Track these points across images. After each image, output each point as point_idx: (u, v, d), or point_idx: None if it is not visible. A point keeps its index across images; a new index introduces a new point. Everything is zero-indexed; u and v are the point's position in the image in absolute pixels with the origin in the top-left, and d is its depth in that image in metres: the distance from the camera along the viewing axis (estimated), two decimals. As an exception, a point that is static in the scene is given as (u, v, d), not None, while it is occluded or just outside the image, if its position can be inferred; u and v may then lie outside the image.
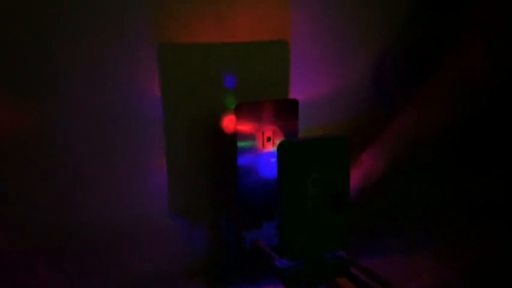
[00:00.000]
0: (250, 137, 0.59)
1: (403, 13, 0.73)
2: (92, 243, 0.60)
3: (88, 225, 0.59)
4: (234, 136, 0.58)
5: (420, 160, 0.69)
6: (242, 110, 0.58)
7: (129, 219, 0.61)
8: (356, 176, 0.64)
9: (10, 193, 0.55)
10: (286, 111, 0.60)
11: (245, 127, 0.59)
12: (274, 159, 0.59)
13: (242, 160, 0.59)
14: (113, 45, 0.57)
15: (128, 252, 0.62)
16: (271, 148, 0.60)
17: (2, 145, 0.54)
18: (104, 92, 0.58)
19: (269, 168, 0.60)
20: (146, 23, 0.58)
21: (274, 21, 0.65)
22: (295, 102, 0.61)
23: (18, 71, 0.54)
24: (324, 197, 0.51)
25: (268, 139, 0.60)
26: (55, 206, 0.57)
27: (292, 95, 0.67)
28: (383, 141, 0.68)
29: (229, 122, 0.62)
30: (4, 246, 0.55)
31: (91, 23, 0.55)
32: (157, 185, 0.62)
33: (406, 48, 0.72)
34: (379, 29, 0.72)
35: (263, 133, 0.59)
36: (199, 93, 0.62)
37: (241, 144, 0.58)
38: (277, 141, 0.60)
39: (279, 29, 0.65)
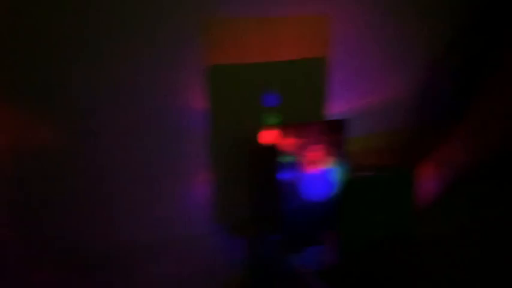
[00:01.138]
0: (294, 157, 0.58)
1: (450, 26, 0.70)
2: (134, 260, 0.60)
3: (128, 243, 0.60)
4: (277, 156, 0.57)
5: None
6: (287, 131, 0.57)
7: (171, 235, 0.61)
8: None
9: (43, 212, 0.55)
10: (331, 132, 0.59)
11: (289, 148, 0.58)
12: (319, 181, 0.58)
13: (285, 181, 0.57)
14: (159, 65, 0.57)
15: (167, 268, 0.62)
16: (315, 169, 0.59)
17: (38, 161, 0.54)
18: (151, 109, 0.58)
19: (313, 191, 0.59)
20: (195, 46, 0.57)
21: (315, 38, 0.64)
22: (340, 123, 0.59)
23: (61, 88, 0.53)
24: (385, 233, 0.49)
25: (313, 161, 0.59)
26: (93, 225, 0.58)
27: (333, 107, 0.67)
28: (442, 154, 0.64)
29: (271, 138, 0.61)
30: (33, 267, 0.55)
31: (143, 43, 0.55)
32: (201, 201, 0.62)
33: (457, 61, 0.70)
34: (423, 42, 0.70)
35: (307, 155, 0.59)
36: (242, 110, 0.62)
37: (284, 164, 0.58)
38: (322, 163, 0.59)
39: (320, 45, 0.64)
